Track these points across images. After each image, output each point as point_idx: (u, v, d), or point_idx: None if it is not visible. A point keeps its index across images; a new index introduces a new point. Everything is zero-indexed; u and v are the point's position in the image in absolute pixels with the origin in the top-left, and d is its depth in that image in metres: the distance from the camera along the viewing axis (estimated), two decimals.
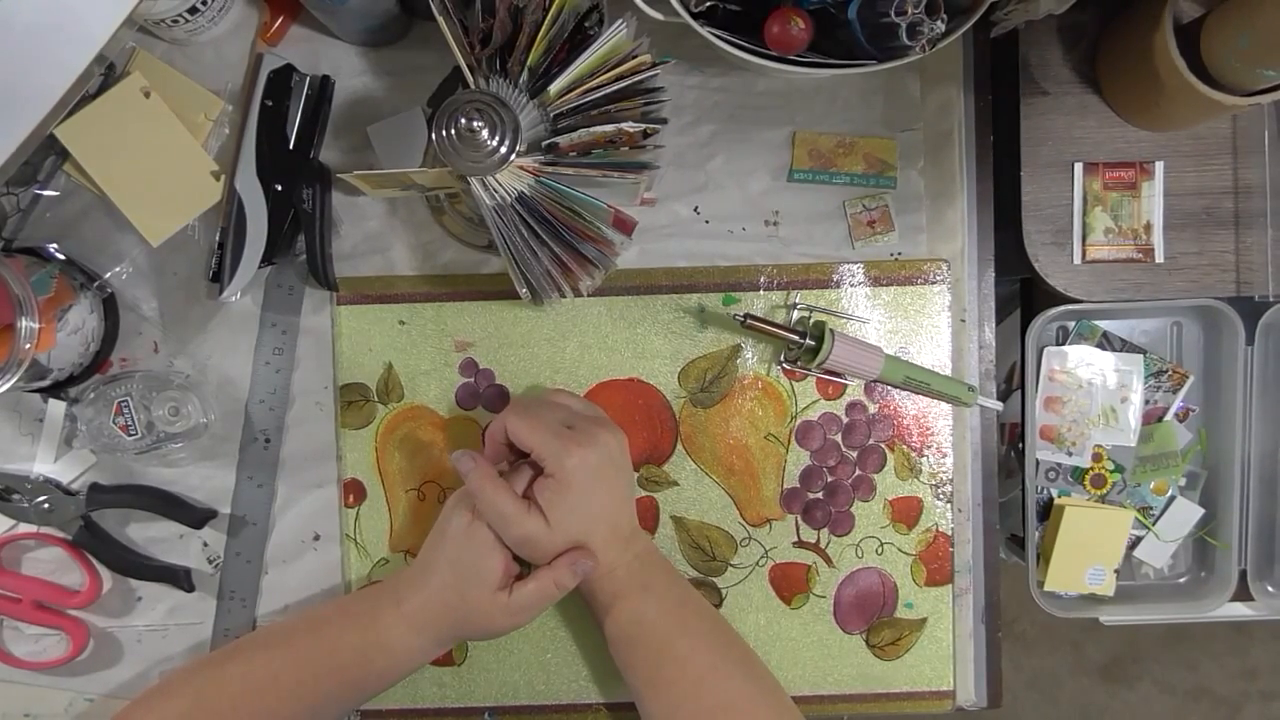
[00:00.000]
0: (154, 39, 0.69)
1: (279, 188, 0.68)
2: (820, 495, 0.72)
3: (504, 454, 0.65)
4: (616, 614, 0.63)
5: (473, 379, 0.71)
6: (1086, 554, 0.75)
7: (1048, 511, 0.77)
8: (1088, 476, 0.76)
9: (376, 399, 0.71)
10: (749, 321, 0.67)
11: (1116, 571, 0.76)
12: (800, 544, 0.72)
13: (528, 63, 0.58)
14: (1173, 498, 0.77)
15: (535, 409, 0.64)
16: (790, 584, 0.72)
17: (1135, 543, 0.77)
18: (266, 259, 0.67)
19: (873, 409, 0.72)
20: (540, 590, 0.61)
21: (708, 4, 0.59)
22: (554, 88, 0.57)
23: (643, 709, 0.62)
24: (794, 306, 0.71)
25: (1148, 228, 0.71)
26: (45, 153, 0.68)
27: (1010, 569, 0.80)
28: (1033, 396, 0.76)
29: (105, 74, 0.67)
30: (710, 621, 0.65)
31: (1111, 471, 0.76)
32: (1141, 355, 0.75)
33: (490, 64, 0.58)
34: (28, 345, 0.61)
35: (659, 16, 0.59)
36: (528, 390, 0.71)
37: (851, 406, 0.71)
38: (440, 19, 0.57)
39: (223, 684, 0.62)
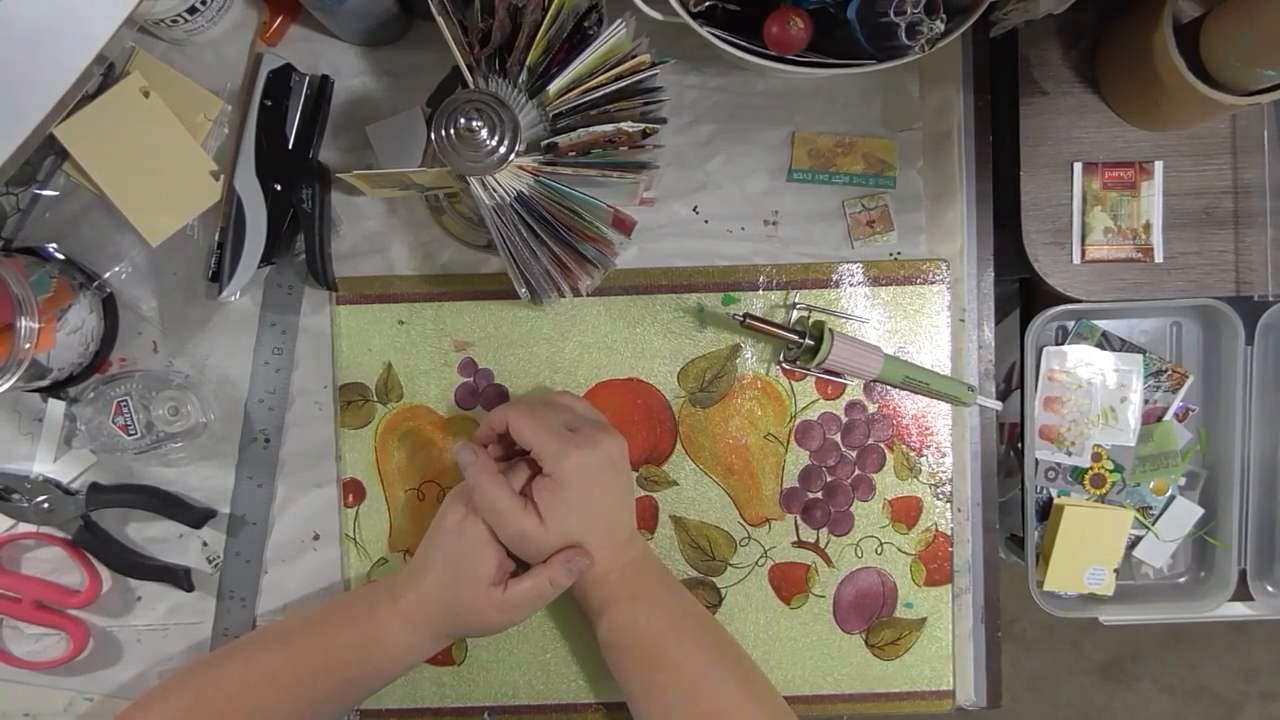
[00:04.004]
0: (153, 39, 0.69)
1: (278, 187, 0.68)
2: (819, 495, 0.72)
3: (494, 439, 0.65)
4: (609, 620, 0.63)
5: (472, 379, 0.71)
6: (1086, 554, 0.75)
7: (1047, 511, 0.77)
8: (1087, 476, 0.76)
9: (376, 399, 0.71)
10: (748, 321, 0.67)
11: (1116, 571, 0.76)
12: (799, 544, 0.72)
13: (527, 62, 0.58)
14: (1172, 497, 0.77)
15: (538, 408, 0.64)
16: (790, 584, 0.72)
17: (1135, 542, 0.77)
18: (266, 259, 0.67)
19: (872, 409, 0.72)
20: (535, 588, 0.61)
21: (707, 4, 0.59)
22: (553, 87, 0.57)
23: (636, 715, 0.62)
24: (793, 306, 0.71)
25: (1147, 227, 0.71)
26: (45, 152, 0.68)
27: (1010, 569, 0.80)
28: (1032, 396, 0.76)
29: (105, 74, 0.67)
30: (705, 627, 0.65)
31: (1111, 471, 0.76)
32: (1141, 355, 0.75)
33: (489, 64, 0.58)
34: (27, 345, 0.61)
35: (658, 16, 0.59)
36: (529, 391, 0.71)
37: (851, 406, 0.71)
38: (439, 19, 0.57)
39: (221, 683, 0.62)
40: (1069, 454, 0.76)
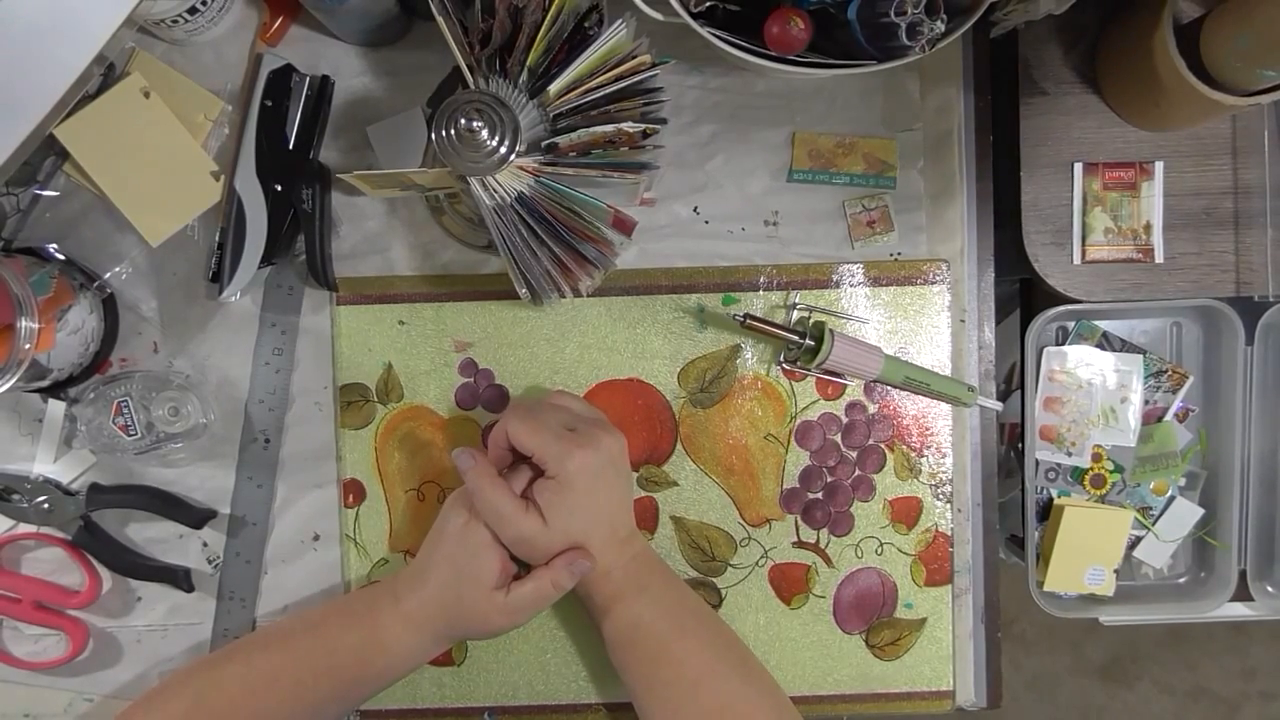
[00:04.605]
0: (154, 39, 0.69)
1: (279, 188, 0.68)
2: (820, 495, 0.72)
3: (507, 459, 0.64)
4: (614, 616, 0.63)
5: (472, 379, 0.71)
6: (1086, 554, 0.75)
7: (1047, 512, 0.77)
8: (1087, 477, 0.76)
9: (376, 399, 0.71)
10: (748, 322, 0.67)
11: (1116, 572, 0.76)
12: (800, 544, 0.72)
13: (527, 63, 0.58)
14: (1172, 498, 0.77)
15: (536, 412, 0.64)
16: (790, 584, 0.72)
17: (1135, 543, 0.77)
18: (266, 259, 0.67)
19: (872, 409, 0.72)
20: (538, 590, 0.61)
21: (707, 4, 0.59)
22: (553, 88, 0.57)
23: (640, 711, 0.62)
24: (793, 307, 0.71)
25: (1147, 228, 0.71)
26: (45, 153, 0.68)
27: (1010, 569, 0.80)
28: (1032, 396, 0.76)
29: (105, 74, 0.67)
30: (708, 623, 0.65)
31: (1111, 472, 0.76)
32: (1141, 355, 0.75)
33: (490, 64, 0.58)
34: (27, 345, 0.61)
35: (659, 16, 0.59)
36: (528, 391, 0.71)
37: (851, 407, 0.71)
38: (440, 19, 0.57)
39: (222, 684, 0.62)
40: (1069, 454, 0.76)
